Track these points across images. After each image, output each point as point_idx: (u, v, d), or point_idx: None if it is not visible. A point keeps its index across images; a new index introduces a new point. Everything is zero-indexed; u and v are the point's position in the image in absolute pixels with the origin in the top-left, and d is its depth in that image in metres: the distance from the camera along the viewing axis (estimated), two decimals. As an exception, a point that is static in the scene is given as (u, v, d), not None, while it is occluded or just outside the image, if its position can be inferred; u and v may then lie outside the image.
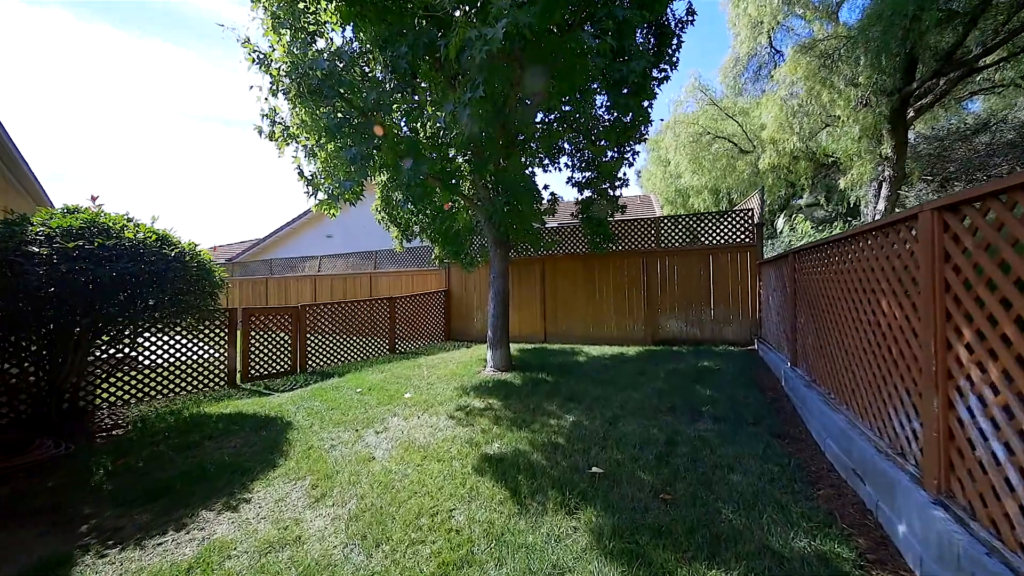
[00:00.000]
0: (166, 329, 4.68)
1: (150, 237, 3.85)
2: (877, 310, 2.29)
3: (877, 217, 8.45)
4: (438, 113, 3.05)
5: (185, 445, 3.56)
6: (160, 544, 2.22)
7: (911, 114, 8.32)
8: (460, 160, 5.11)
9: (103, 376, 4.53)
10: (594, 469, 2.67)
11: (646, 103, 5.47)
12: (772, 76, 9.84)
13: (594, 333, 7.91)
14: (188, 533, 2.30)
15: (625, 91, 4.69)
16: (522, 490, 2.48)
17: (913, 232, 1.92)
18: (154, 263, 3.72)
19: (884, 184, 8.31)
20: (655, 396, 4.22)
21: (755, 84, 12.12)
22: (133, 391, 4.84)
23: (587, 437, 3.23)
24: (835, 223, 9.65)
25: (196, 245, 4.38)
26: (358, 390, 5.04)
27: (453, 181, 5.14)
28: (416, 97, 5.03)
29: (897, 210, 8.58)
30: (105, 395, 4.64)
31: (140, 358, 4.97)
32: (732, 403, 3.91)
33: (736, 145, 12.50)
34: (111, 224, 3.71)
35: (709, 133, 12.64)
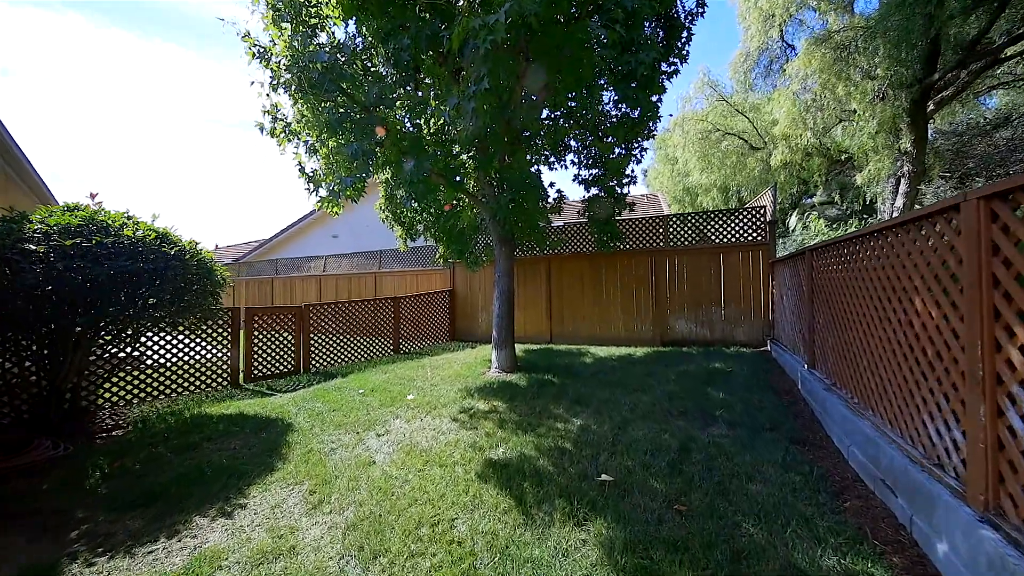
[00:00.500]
0: (168, 328, 4.64)
1: (149, 235, 3.80)
2: (909, 309, 2.13)
3: (895, 214, 8.18)
4: (442, 108, 2.94)
5: (184, 447, 3.49)
6: (150, 552, 2.13)
7: (931, 107, 8.02)
8: (464, 157, 5.01)
9: (104, 376, 4.48)
10: (603, 477, 2.54)
11: (655, 97, 5.34)
12: (784, 71, 9.57)
13: (601, 333, 7.76)
14: (180, 541, 2.21)
15: (633, 84, 4.55)
16: (528, 499, 2.36)
17: (953, 224, 1.76)
18: (153, 261, 3.66)
19: (903, 180, 8.00)
20: (665, 399, 4.07)
21: (766, 79, 11.85)
22: (135, 391, 4.80)
23: (595, 442, 3.10)
24: (850, 221, 9.35)
25: (197, 243, 4.32)
26: (360, 391, 4.95)
27: (457, 178, 5.04)
28: (420, 93, 4.93)
29: (917, 206, 8.30)
30: (107, 395, 4.60)
31: (142, 358, 4.93)
32: (747, 407, 3.75)
33: (746, 142, 12.22)
34: (110, 222, 3.66)
35: (719, 130, 12.37)
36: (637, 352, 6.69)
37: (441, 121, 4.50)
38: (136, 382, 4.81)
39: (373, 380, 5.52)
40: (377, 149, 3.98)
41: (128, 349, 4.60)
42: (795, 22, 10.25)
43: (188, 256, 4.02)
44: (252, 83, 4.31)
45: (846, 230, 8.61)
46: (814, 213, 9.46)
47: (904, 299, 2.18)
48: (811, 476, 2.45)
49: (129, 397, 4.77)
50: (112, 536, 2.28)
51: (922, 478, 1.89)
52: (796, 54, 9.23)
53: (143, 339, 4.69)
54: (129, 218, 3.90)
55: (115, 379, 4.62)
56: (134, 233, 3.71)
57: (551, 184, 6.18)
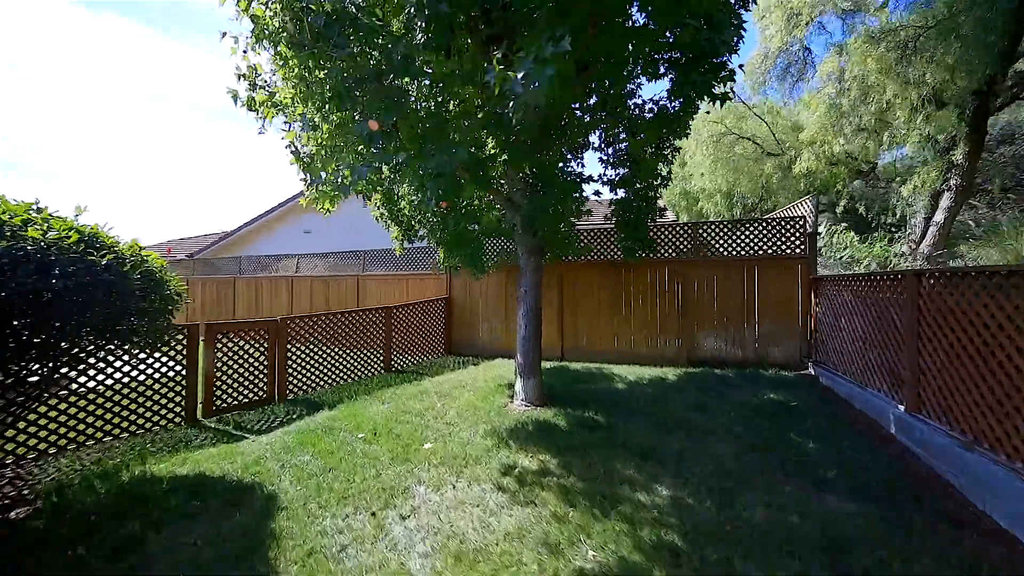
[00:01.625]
0: (101, 354, 3.47)
1: (68, 237, 2.66)
2: None
3: (933, 230, 7.92)
4: (510, 73, 2.08)
5: (119, 544, 2.42)
6: None
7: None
8: (493, 148, 4.10)
9: None
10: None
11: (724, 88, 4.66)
12: (803, 78, 9.23)
13: (619, 350, 7.07)
14: None
15: (704, 68, 3.82)
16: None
17: None
18: (73, 275, 2.54)
19: (945, 194, 7.72)
20: (747, 449, 3.39)
21: (782, 83, 11.50)
22: (51, 437, 3.58)
23: (708, 530, 2.33)
24: (875, 234, 9.15)
25: (141, 248, 3.20)
26: (360, 435, 3.97)
27: (481, 172, 4.13)
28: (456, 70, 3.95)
29: (971, 222, 7.90)
30: (9, 446, 3.38)
31: (61, 393, 3.71)
32: (846, 460, 3.13)
33: (760, 146, 11.89)
34: (5, 218, 2.50)
35: (733, 133, 11.98)
36: (667, 374, 6.03)
37: (481, 98, 3.56)
38: (52, 426, 3.60)
39: (371, 414, 4.53)
40: (397, 130, 3.03)
41: (43, 385, 3.39)
42: (816, 25, 9.91)
43: (128, 266, 2.91)
44: (224, 35, 3.22)
45: (881, 244, 8.35)
46: (844, 224, 9.19)
47: None
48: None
49: (43, 446, 3.56)
50: None
51: None
52: (815, 58, 8.91)
53: (63, 369, 3.49)
54: (38, 211, 2.74)
55: (21, 424, 3.40)
56: (44, 234, 2.57)
57: (588, 178, 5.31)
